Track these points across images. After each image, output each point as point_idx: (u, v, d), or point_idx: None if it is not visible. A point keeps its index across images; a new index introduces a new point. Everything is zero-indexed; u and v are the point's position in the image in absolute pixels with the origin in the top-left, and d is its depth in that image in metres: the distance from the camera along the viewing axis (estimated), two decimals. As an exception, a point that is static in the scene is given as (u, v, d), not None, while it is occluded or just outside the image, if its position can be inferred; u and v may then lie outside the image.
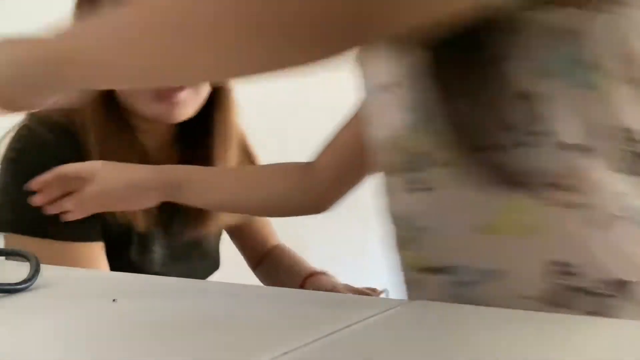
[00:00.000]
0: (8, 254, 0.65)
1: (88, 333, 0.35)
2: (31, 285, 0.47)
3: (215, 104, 0.86)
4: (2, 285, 0.45)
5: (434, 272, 0.48)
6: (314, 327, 0.35)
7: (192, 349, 0.31)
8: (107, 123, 0.79)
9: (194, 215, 0.86)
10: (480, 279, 0.46)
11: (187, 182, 0.74)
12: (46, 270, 0.51)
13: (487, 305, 0.42)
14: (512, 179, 0.43)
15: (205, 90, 0.82)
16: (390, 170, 0.51)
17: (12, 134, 0.79)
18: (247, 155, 0.97)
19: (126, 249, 0.82)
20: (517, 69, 0.41)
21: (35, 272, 0.49)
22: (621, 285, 0.42)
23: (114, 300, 0.43)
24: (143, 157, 0.82)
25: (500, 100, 0.41)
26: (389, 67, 0.48)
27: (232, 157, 0.88)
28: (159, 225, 0.84)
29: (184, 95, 0.77)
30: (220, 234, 0.99)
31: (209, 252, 0.96)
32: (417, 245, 0.49)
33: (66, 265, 0.69)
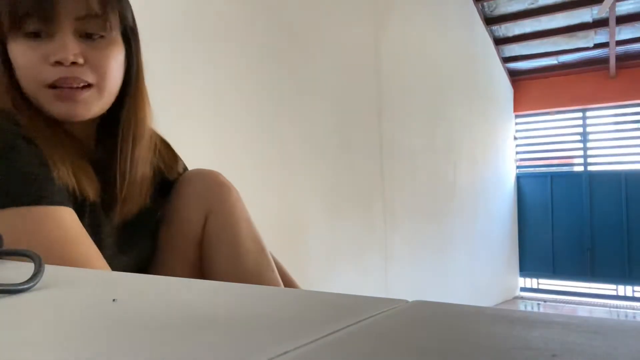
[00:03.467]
0: (12, 253, 0.66)
1: (88, 333, 0.35)
2: (34, 285, 0.47)
3: (125, 102, 0.89)
4: (6, 285, 0.45)
5: None
6: (314, 327, 0.35)
7: (191, 349, 0.31)
8: (35, 116, 0.81)
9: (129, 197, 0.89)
10: None
11: None
12: (46, 269, 0.51)
13: None
14: None
15: (112, 90, 0.85)
16: None
17: None
18: (168, 152, 1.01)
19: (81, 218, 0.82)
20: None
21: (38, 272, 0.49)
22: None
23: (114, 300, 0.43)
24: (79, 145, 0.86)
25: None
26: None
27: (141, 153, 0.91)
28: (103, 200, 0.86)
29: (85, 95, 0.81)
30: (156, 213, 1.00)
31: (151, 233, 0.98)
32: None
33: (49, 230, 0.72)
